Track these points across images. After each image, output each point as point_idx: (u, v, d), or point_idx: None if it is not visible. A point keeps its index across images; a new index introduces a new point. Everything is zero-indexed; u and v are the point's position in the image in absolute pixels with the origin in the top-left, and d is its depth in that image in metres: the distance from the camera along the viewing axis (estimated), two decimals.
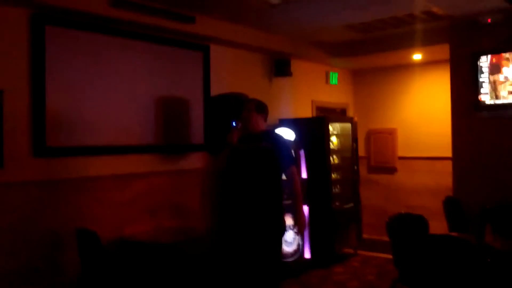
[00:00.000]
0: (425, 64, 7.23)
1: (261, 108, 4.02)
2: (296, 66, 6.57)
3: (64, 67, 4.11)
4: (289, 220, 5.15)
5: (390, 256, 5.20)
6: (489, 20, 5.36)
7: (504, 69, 5.29)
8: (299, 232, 3.88)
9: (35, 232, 3.84)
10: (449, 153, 5.92)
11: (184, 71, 5.20)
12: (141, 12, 4.47)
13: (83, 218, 4.09)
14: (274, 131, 4.11)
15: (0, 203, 3.67)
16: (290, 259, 5.56)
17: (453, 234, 4.46)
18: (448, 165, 5.94)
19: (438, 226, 4.53)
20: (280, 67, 6.35)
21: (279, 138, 3.99)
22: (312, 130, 6.13)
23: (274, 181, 3.70)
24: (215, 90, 5.35)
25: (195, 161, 5.18)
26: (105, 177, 4.36)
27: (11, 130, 3.74)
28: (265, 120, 4.03)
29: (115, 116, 4.49)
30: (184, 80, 5.19)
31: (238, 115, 4.82)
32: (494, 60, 5.35)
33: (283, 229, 3.74)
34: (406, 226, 4.17)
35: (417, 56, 6.90)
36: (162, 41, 4.94)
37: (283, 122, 6.19)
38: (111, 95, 4.47)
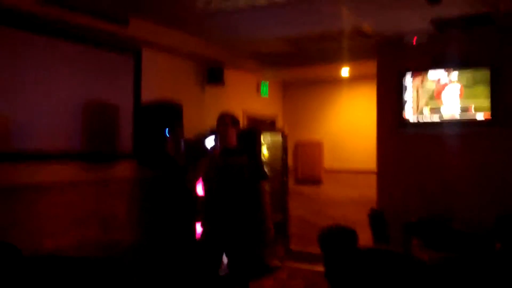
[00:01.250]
0: (353, 79, 7.43)
1: (236, 122, 4.19)
2: (229, 75, 6.51)
3: None
4: None
5: (317, 268, 5.27)
6: (414, 41, 5.62)
7: (427, 88, 5.56)
8: (269, 242, 4.06)
9: None
10: (373, 167, 6.13)
11: (114, 76, 4.94)
12: (72, 11, 4.20)
13: (2, 228, 3.74)
14: (245, 147, 4.31)
15: None
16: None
17: (380, 246, 4.59)
18: (372, 178, 6.14)
19: (362, 237, 4.63)
20: (213, 75, 6.26)
21: (254, 153, 4.15)
22: (245, 140, 6.06)
23: (252, 192, 3.98)
24: (146, 96, 5.14)
25: (123, 170, 4.94)
26: (25, 185, 4.01)
27: None
28: (238, 133, 4.21)
29: (39, 120, 4.15)
30: (114, 85, 4.93)
31: (171, 123, 4.71)
32: (418, 79, 5.61)
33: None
34: (337, 238, 4.21)
35: (345, 72, 7.08)
36: (92, 43, 4.67)
37: (214, 132, 6.08)
38: (36, 98, 4.13)
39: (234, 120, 4.15)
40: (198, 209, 4.29)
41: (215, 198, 3.98)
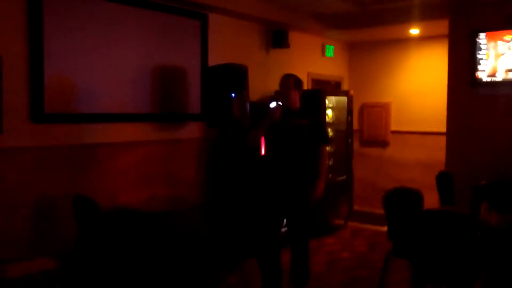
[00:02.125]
0: (422, 39, 7.21)
1: (298, 84, 4.08)
2: (293, 37, 6.52)
3: (62, 34, 4.02)
4: None
5: (380, 228, 5.32)
6: None
7: (502, 48, 5.30)
8: (316, 198, 4.03)
9: (32, 197, 3.83)
10: (442, 128, 5.99)
11: (181, 40, 5.12)
12: None
13: (79, 185, 4.08)
14: (309, 109, 4.26)
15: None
16: (283, 229, 5.62)
17: (445, 208, 4.55)
18: (441, 140, 6.02)
19: (429, 200, 4.60)
20: (277, 39, 6.29)
21: (315, 117, 4.24)
22: (308, 102, 6.10)
23: (311, 154, 3.93)
24: (212, 60, 5.29)
25: (191, 131, 5.17)
26: (101, 144, 4.33)
27: (10, 96, 3.68)
28: (300, 95, 4.11)
29: (111, 84, 4.43)
30: (181, 49, 5.11)
31: (237, 86, 4.82)
32: (493, 38, 5.35)
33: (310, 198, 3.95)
34: (402, 200, 4.23)
35: (414, 31, 6.86)
36: (160, 8, 4.84)
37: (279, 94, 6.15)
38: (108, 63, 4.39)
39: (297, 82, 4.06)
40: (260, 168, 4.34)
41: (273, 158, 3.99)
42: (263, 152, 4.56)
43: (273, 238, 3.99)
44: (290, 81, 4.01)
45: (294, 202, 3.92)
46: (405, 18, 6.23)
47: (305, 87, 6.93)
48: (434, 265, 3.39)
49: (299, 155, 3.91)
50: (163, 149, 4.88)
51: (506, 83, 5.30)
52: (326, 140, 4.17)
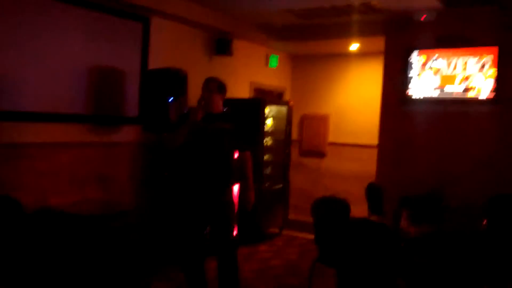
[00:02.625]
0: (361, 55, 7.50)
1: (222, 88, 4.05)
2: (237, 46, 6.60)
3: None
4: None
5: (312, 237, 5.43)
6: (422, 18, 5.63)
7: (431, 67, 5.59)
8: (247, 209, 4.00)
9: None
10: (376, 141, 6.22)
11: (122, 42, 5.08)
12: None
13: (5, 185, 3.95)
14: (232, 113, 4.14)
15: None
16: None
17: (373, 217, 4.73)
18: (374, 152, 6.24)
19: (360, 210, 4.78)
20: (221, 46, 6.35)
21: (239, 120, 4.06)
22: (248, 111, 6.21)
23: (231, 159, 3.90)
24: (153, 64, 5.28)
25: (127, 134, 5.13)
26: (31, 144, 4.22)
27: None
28: (223, 99, 4.08)
29: (43, 82, 4.33)
30: (121, 51, 5.08)
31: (176, 91, 4.83)
32: (424, 56, 5.64)
33: (230, 204, 3.93)
34: (329, 208, 4.38)
35: (354, 46, 7.13)
36: (101, 9, 4.80)
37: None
38: (42, 60, 4.30)
39: (220, 86, 4.05)
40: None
41: (191, 163, 3.89)
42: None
43: (193, 247, 3.90)
44: (213, 85, 4.00)
45: (214, 209, 3.84)
46: (346, 33, 6.47)
47: (246, 95, 7.07)
48: (355, 273, 3.52)
49: (218, 160, 3.84)
50: (97, 152, 4.81)
51: (435, 101, 5.58)
52: (250, 144, 4.13)
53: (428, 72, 5.62)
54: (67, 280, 3.91)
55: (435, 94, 5.57)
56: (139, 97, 5.19)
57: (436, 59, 5.57)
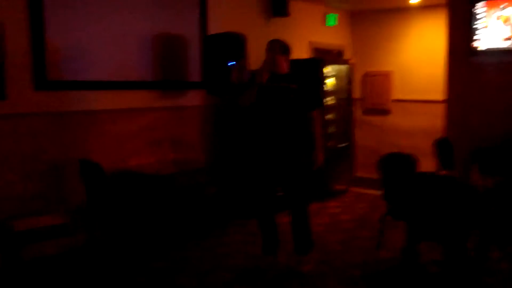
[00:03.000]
0: (423, 8, 7.18)
1: (285, 49, 3.98)
2: (294, 6, 6.54)
3: (62, 3, 4.12)
4: None
5: (380, 192, 5.42)
6: None
7: (498, 16, 5.30)
8: (316, 166, 4.02)
9: (39, 162, 4.00)
10: (442, 96, 6.03)
11: (181, 8, 5.19)
12: None
13: (86, 150, 4.26)
14: (296, 74, 4.08)
15: (6, 133, 3.81)
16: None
17: (443, 172, 4.65)
18: (440, 108, 6.06)
19: (428, 165, 4.70)
20: (278, 7, 6.31)
21: (306, 79, 4.04)
22: (308, 71, 6.18)
23: (301, 118, 3.87)
24: (213, 29, 5.36)
25: (193, 98, 5.30)
26: (106, 111, 4.49)
27: (13, 62, 3.81)
28: (288, 60, 4.02)
29: (114, 52, 4.55)
30: (181, 18, 5.19)
31: (235, 54, 4.90)
32: (491, 6, 5.34)
33: (310, 161, 3.93)
34: (396, 164, 4.34)
35: (415, 0, 6.84)
36: None
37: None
38: (110, 31, 4.51)
39: (283, 47, 3.96)
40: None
41: (262, 122, 3.89)
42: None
43: (264, 203, 3.97)
44: (275, 46, 3.92)
45: (287, 169, 3.87)
46: None
47: (306, 56, 7.01)
48: (426, 225, 3.51)
49: (287, 119, 3.84)
50: (167, 116, 5.05)
51: (503, 52, 5.30)
52: (317, 103, 4.08)
53: (496, 21, 5.32)
54: (148, 232, 4.17)
55: (505, 44, 5.28)
56: (201, 62, 5.31)
57: (504, 8, 5.26)
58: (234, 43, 4.98)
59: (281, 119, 3.84)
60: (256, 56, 5.57)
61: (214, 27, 5.38)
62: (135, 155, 4.70)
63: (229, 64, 4.89)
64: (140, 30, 4.76)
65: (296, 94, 3.85)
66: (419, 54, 7.44)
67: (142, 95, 4.82)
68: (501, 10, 5.28)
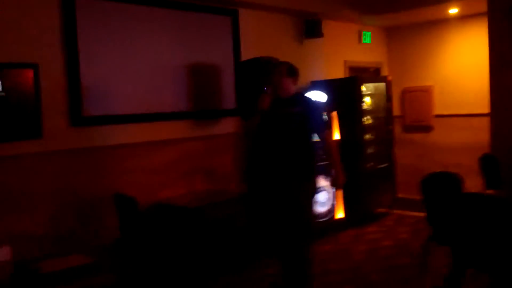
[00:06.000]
0: (461, 19, 6.97)
1: (292, 72, 3.92)
2: (328, 26, 6.47)
3: (95, 39, 4.21)
4: (322, 181, 5.25)
5: (424, 215, 5.22)
6: None
7: None
8: (338, 188, 3.89)
9: (73, 198, 4.04)
10: (486, 110, 5.78)
11: (213, 37, 5.22)
12: None
13: (119, 184, 4.26)
14: (305, 95, 4.04)
15: (41, 171, 3.87)
16: (323, 219, 5.63)
17: (489, 192, 4.41)
18: (486, 121, 5.81)
19: (475, 183, 4.48)
20: (310, 28, 6.26)
21: (310, 102, 3.95)
22: (344, 91, 6.08)
23: (304, 144, 3.74)
24: (245, 55, 5.36)
25: (227, 126, 5.27)
26: (138, 144, 4.51)
27: (49, 102, 3.90)
28: (296, 83, 3.95)
29: (146, 85, 4.60)
30: (213, 46, 5.22)
31: (269, 79, 4.85)
32: None
33: (311, 189, 3.81)
34: (440, 184, 4.15)
35: (453, 11, 6.65)
36: (190, 8, 4.96)
37: (314, 84, 6.16)
38: (142, 65, 4.57)
39: (290, 69, 3.86)
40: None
41: (263, 150, 3.77)
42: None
43: (275, 236, 3.78)
44: (282, 68, 3.87)
45: (286, 199, 3.66)
46: None
47: (341, 75, 6.91)
48: (473, 251, 3.31)
49: (290, 146, 3.69)
50: (200, 145, 5.02)
51: None
52: (323, 126, 3.87)
53: None
54: (179, 269, 4.11)
55: None
56: (235, 89, 5.30)
57: None
58: (267, 68, 4.93)
59: (282, 146, 3.70)
60: None
61: (247, 53, 5.37)
62: (168, 187, 4.69)
63: (264, 89, 4.84)
64: (173, 60, 4.81)
65: (300, 117, 3.71)
66: (460, 66, 7.18)
67: (176, 126, 4.84)
68: None
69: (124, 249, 3.89)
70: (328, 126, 4.08)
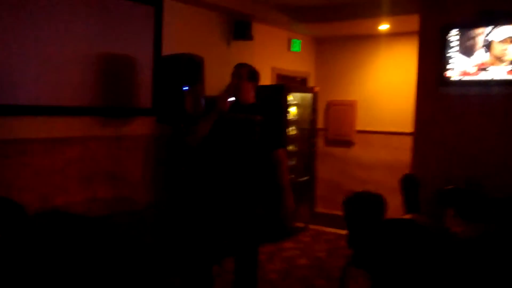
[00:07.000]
0: (391, 36, 6.99)
1: (253, 76, 3.55)
2: (257, 30, 6.17)
3: None
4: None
5: (342, 232, 5.06)
6: None
7: (473, 45, 5.08)
8: (286, 217, 3.56)
9: None
10: (408, 129, 5.77)
11: (132, 27, 4.68)
12: None
13: (8, 184, 3.64)
14: (265, 105, 3.62)
15: None
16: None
17: (410, 216, 4.31)
18: (406, 140, 5.80)
19: (393, 202, 4.34)
20: (240, 30, 5.91)
21: (271, 113, 3.55)
22: (270, 98, 5.79)
23: (257, 157, 3.42)
24: (167, 51, 4.88)
25: (140, 127, 4.75)
26: (34, 140, 3.86)
27: None
28: (255, 89, 3.58)
29: (48, 73, 3.95)
30: (132, 37, 4.67)
31: (191, 78, 4.43)
32: (464, 35, 5.12)
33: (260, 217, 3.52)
34: (363, 206, 3.95)
35: (384, 27, 6.62)
36: None
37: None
38: (45, 51, 3.91)
39: (251, 73, 3.54)
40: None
41: (217, 159, 3.44)
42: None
43: (205, 252, 3.50)
44: (243, 71, 3.50)
45: (238, 221, 3.43)
46: (375, 12, 5.98)
47: (268, 82, 6.63)
48: (392, 279, 3.11)
49: (246, 159, 3.39)
50: (106, 147, 4.42)
51: (476, 83, 5.08)
52: (280, 143, 3.57)
53: (470, 50, 5.09)
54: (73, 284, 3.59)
55: (477, 75, 5.05)
56: (152, 86, 4.81)
57: (476, 37, 5.04)
58: (190, 66, 4.50)
59: (238, 159, 3.36)
60: (213, 81, 5.14)
61: (169, 48, 4.89)
62: (66, 192, 4.07)
63: (184, 88, 4.40)
64: (79, 48, 4.20)
65: (261, 127, 3.38)
66: (385, 83, 7.20)
67: (78, 123, 4.20)
68: (474, 39, 5.05)
69: (6, 260, 3.30)
70: (284, 146, 3.67)
